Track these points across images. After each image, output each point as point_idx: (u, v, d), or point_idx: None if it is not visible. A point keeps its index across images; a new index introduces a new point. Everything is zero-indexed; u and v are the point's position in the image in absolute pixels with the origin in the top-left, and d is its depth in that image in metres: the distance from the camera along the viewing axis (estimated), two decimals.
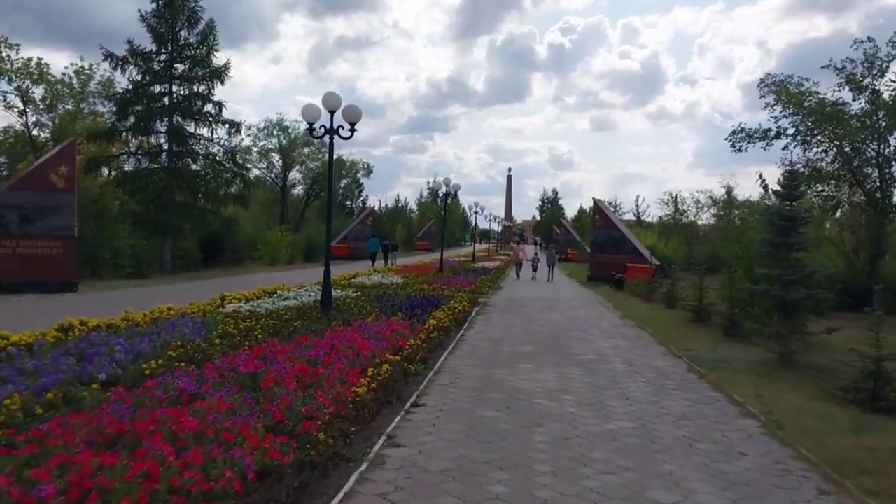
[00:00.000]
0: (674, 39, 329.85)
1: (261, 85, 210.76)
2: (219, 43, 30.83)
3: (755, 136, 27.93)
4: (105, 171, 33.78)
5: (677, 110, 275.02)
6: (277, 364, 9.01)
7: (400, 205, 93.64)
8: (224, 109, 31.54)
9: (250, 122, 55.82)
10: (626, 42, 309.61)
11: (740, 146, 28.21)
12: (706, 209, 62.37)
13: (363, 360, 9.69)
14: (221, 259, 34.15)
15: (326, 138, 16.35)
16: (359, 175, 67.68)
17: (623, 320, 18.53)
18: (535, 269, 38.16)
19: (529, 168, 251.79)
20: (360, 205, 72.46)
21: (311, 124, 16.19)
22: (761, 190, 28.53)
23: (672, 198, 65.01)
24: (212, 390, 7.55)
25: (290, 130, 54.78)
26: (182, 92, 31.12)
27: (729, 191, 57.16)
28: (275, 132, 54.74)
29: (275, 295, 18.82)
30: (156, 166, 31.81)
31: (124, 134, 30.78)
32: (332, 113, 16.08)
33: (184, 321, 12.91)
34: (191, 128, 31.39)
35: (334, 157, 56.19)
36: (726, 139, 28.46)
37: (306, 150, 56.00)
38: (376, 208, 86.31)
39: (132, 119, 30.23)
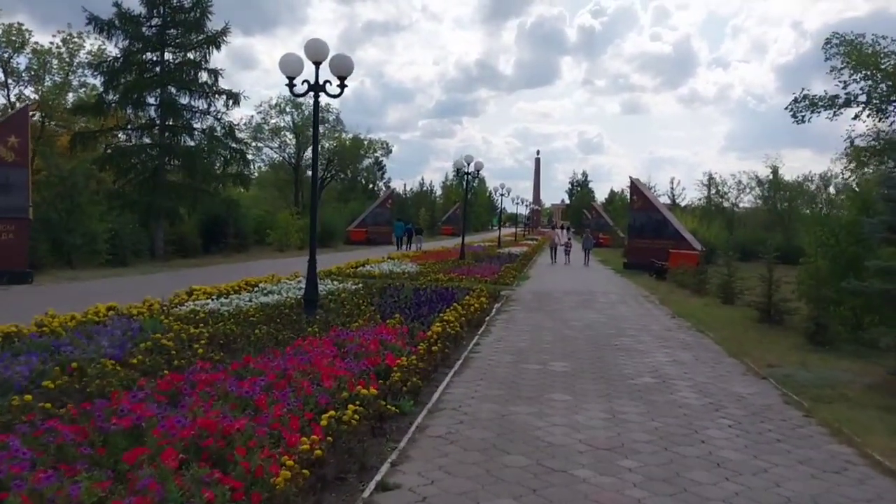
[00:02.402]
0: (706, 21, 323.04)
1: None
2: (212, 4, 27.64)
3: (821, 104, 24.30)
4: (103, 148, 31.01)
5: (709, 93, 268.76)
6: (181, 408, 5.97)
7: (425, 188, 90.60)
8: (220, 78, 28.50)
9: (262, 99, 52.66)
10: (657, 24, 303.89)
11: (802, 116, 24.61)
12: (748, 191, 58.51)
13: (320, 397, 6.61)
14: (223, 245, 31.25)
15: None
16: (377, 155, 64.10)
17: (675, 320, 15.23)
18: (567, 254, 36.68)
19: (558, 152, 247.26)
20: (384, 187, 69.27)
21: (291, 79, 13.08)
22: (843, 160, 25.00)
23: (711, 179, 61.22)
24: (30, 471, 4.49)
25: (303, 107, 51.54)
26: (175, 60, 28.09)
27: (775, 171, 53.20)
28: (287, 109, 51.65)
29: (256, 288, 15.82)
30: (149, 142, 28.93)
31: (113, 107, 27.83)
32: (317, 65, 12.96)
33: (115, 327, 9.97)
34: (185, 99, 28.35)
35: (360, 136, 53.05)
36: (786, 108, 24.94)
37: (321, 128, 52.71)
38: (399, 192, 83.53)
39: (120, 90, 27.25)
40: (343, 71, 13.01)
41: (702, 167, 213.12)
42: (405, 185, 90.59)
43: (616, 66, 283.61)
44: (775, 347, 12.11)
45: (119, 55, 27.69)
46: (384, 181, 76.00)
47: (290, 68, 13.04)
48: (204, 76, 28.34)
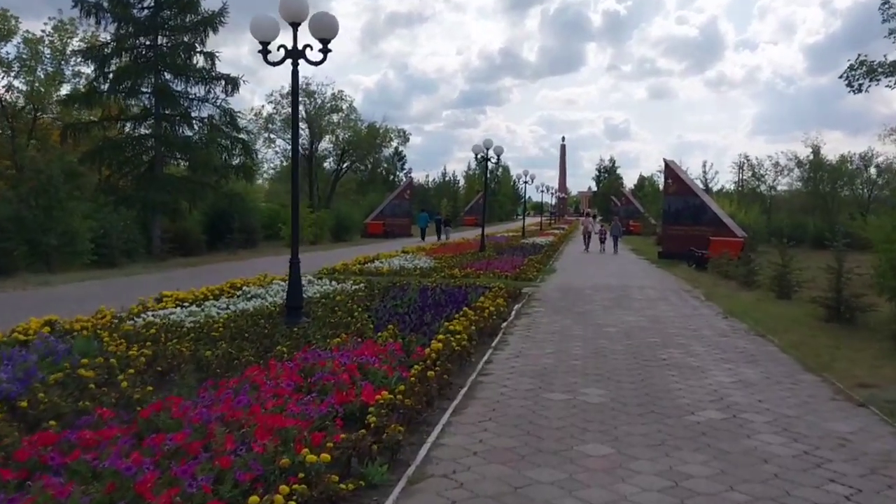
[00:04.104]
0: (732, 2, 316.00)
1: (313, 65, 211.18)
2: None
3: (881, 70, 21.64)
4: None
5: (737, 76, 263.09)
6: (16, 499, 3.91)
7: (447, 178, 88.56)
8: (217, 62, 26.50)
9: (273, 88, 50.10)
10: (682, 7, 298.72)
11: (860, 85, 21.98)
12: (787, 173, 55.53)
13: (243, 470, 4.51)
14: (229, 241, 29.28)
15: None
16: (394, 143, 61.53)
17: (729, 322, 12.92)
18: (603, 241, 35.78)
19: (584, 139, 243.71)
20: (404, 178, 67.18)
21: (265, 44, 11.00)
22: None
23: (747, 161, 58.30)
24: None
25: (316, 96, 49.39)
26: (168, 44, 26.11)
27: (816, 151, 50.20)
28: (300, 97, 49.39)
29: (240, 292, 13.81)
30: (146, 132, 27.06)
31: (105, 96, 25.96)
32: (294, 27, 10.88)
33: (35, 350, 7.96)
34: (181, 86, 26.40)
35: (375, 125, 51.27)
36: (841, 77, 22.24)
37: (335, 117, 50.70)
38: (421, 182, 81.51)
39: (111, 77, 25.36)
40: (326, 33, 10.88)
41: (730, 151, 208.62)
42: (427, 175, 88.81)
43: (642, 51, 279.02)
44: (859, 357, 9.79)
45: (110, 40, 25.81)
46: (404, 171, 73.98)
47: (262, 32, 10.98)
48: (201, 61, 26.36)
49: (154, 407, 5.61)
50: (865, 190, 56.20)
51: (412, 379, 6.99)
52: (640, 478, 5.10)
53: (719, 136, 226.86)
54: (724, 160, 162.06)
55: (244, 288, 14.07)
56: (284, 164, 55.41)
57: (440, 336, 8.95)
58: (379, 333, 9.36)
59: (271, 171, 56.38)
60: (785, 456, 5.66)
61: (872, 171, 55.50)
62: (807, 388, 8.04)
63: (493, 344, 10.07)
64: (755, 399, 7.41)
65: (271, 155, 51.14)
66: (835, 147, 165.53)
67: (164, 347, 8.42)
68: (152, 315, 10.77)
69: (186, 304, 12.24)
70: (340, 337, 8.93)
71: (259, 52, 11.00)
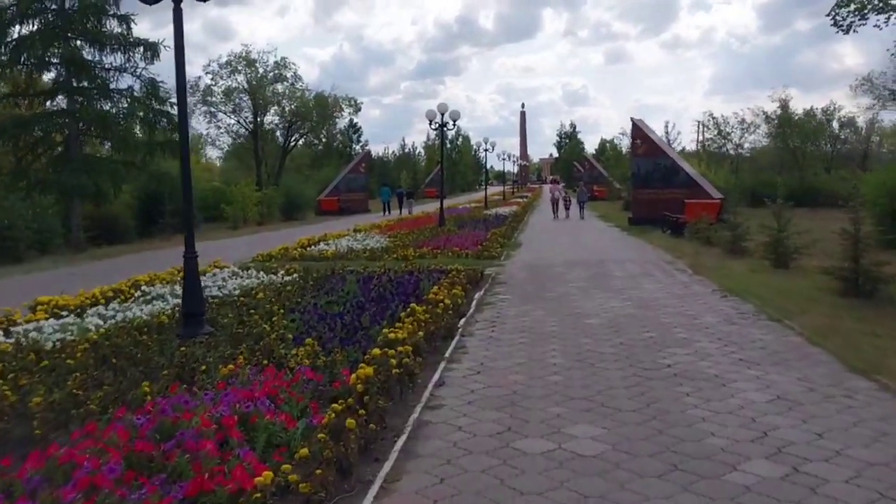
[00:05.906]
0: None
1: (267, 39, 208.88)
2: None
3: (870, 7, 19.61)
4: None
5: (692, 38, 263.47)
6: None
7: (406, 150, 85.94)
8: (133, 25, 23.58)
9: (212, 57, 46.40)
10: None
11: (850, 23, 19.93)
12: (754, 130, 53.94)
13: None
14: (162, 225, 26.49)
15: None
16: (346, 113, 58.02)
17: (730, 302, 10.80)
18: (567, 208, 35.86)
19: (543, 106, 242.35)
20: (360, 150, 64.29)
21: None
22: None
23: (712, 119, 56.61)
24: None
25: (258, 65, 46.00)
26: (75, 7, 23.08)
27: (784, 106, 48.55)
28: (240, 67, 46.10)
29: (139, 291, 11.34)
30: (62, 108, 24.12)
31: (9, 69, 22.98)
32: None
33: None
34: (96, 55, 23.50)
35: (324, 94, 47.90)
36: (828, 15, 20.15)
37: (280, 87, 47.50)
38: (380, 155, 78.89)
39: (12, 46, 22.36)
40: None
41: (688, 113, 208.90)
42: (386, 147, 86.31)
43: (597, 15, 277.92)
44: None
45: (9, 4, 22.74)
46: (360, 144, 71.15)
47: None
48: (115, 26, 23.40)
49: None
50: (828, 145, 54.98)
51: (322, 436, 4.71)
52: None
53: (676, 98, 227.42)
54: (683, 122, 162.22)
55: (143, 288, 11.53)
56: (237, 140, 52.31)
57: (375, 351, 6.67)
58: (295, 350, 7.06)
59: (221, 150, 53.30)
60: None
61: (835, 125, 54.30)
62: (869, 403, 5.93)
63: (448, 353, 7.79)
64: (811, 432, 5.26)
65: (217, 132, 47.97)
66: (790, 104, 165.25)
67: None
68: (6, 333, 8.29)
69: (66, 312, 9.79)
70: (236, 362, 6.58)
71: None
